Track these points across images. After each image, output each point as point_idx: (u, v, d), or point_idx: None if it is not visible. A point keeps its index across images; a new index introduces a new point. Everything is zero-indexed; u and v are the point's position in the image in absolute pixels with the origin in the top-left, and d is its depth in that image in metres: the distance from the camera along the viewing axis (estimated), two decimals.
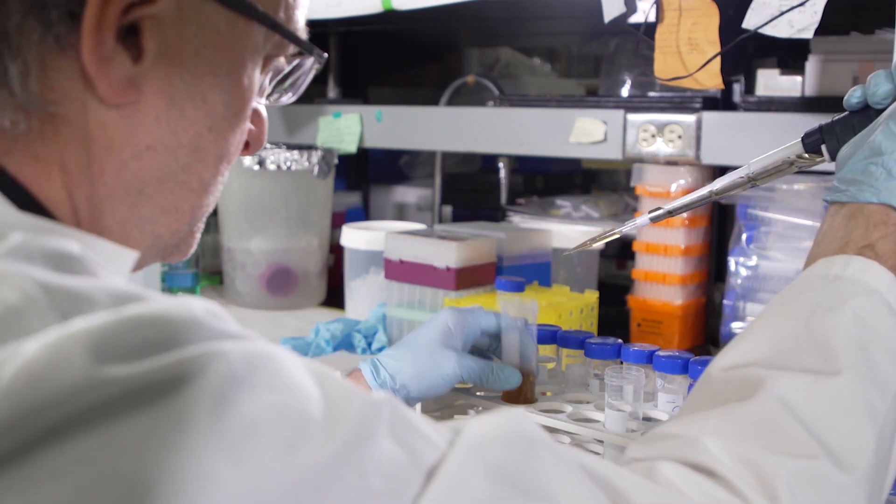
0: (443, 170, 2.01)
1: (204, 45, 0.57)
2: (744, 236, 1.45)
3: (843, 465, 0.60)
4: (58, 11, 0.52)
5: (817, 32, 1.27)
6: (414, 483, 0.46)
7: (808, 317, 0.67)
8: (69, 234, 0.54)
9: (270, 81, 0.66)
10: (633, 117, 1.52)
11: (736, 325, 1.45)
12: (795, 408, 0.61)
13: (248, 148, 0.66)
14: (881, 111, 0.77)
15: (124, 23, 0.53)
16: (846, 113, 0.81)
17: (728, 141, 1.43)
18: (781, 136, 0.91)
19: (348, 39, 2.23)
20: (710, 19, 1.37)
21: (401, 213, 2.21)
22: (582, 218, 1.78)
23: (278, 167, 1.74)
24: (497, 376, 0.98)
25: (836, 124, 0.81)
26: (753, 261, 1.44)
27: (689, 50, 1.40)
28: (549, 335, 1.09)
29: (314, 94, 2.18)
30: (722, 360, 0.68)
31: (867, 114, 0.79)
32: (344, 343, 1.49)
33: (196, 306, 0.45)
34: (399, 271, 1.46)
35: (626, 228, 0.99)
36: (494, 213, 1.88)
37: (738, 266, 1.46)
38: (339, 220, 1.92)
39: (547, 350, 1.10)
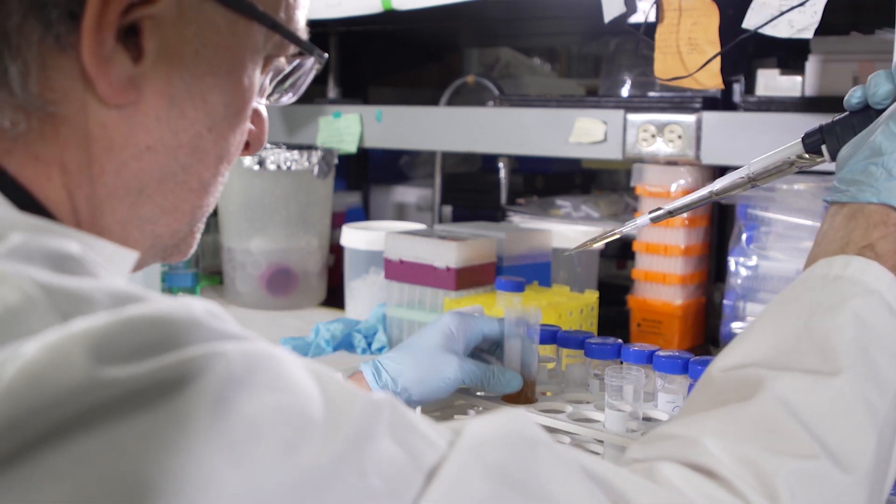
0: (443, 170, 2.01)
1: (204, 46, 0.57)
2: (744, 236, 1.45)
3: (843, 466, 0.60)
4: (58, 11, 0.52)
5: (817, 32, 1.27)
6: (414, 483, 0.46)
7: (808, 317, 0.67)
8: (69, 234, 0.54)
9: (271, 81, 0.66)
10: (633, 117, 1.52)
11: (736, 325, 1.45)
12: (796, 408, 0.61)
13: (248, 148, 0.66)
14: (881, 111, 0.77)
15: (124, 23, 0.53)
16: (846, 113, 0.81)
17: (728, 141, 1.43)
18: (781, 136, 0.91)
19: (348, 39, 2.23)
20: (710, 19, 1.37)
21: (401, 213, 2.21)
22: (582, 218, 1.78)
23: (278, 167, 1.74)
24: (498, 380, 0.98)
25: (837, 124, 0.81)
26: (753, 261, 1.44)
27: (689, 50, 1.40)
28: (549, 335, 1.09)
29: (314, 94, 2.18)
30: (722, 361, 0.68)
31: (867, 114, 0.79)
32: (344, 343, 1.49)
33: (196, 307, 0.45)
34: (399, 271, 1.46)
35: (627, 228, 0.99)
36: (494, 213, 1.88)
37: (738, 266, 1.46)
38: (339, 220, 1.92)
39: (547, 350, 1.10)
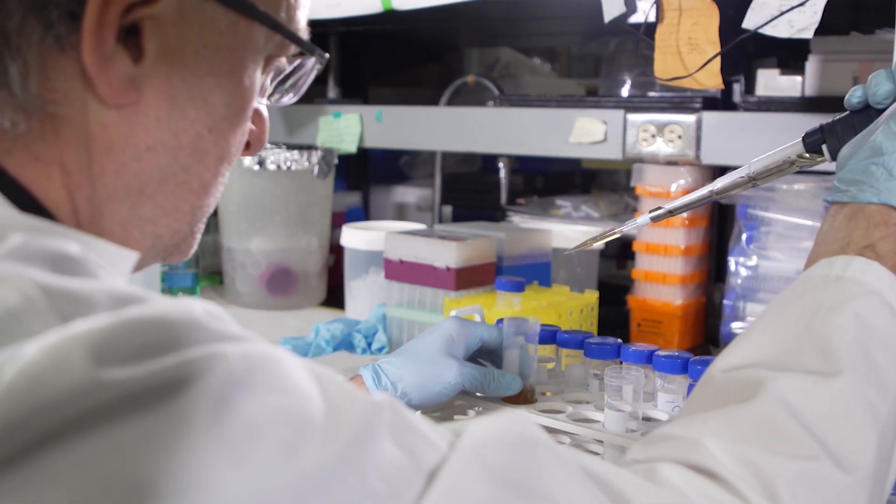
0: (443, 170, 2.01)
1: (205, 46, 0.57)
2: (744, 236, 1.45)
3: (844, 467, 0.60)
4: (58, 12, 0.52)
5: (817, 32, 1.27)
6: (415, 485, 0.46)
7: (809, 318, 0.67)
8: (69, 235, 0.53)
9: (272, 82, 0.66)
10: (633, 117, 1.52)
11: (736, 325, 1.45)
12: (796, 409, 0.61)
13: (249, 148, 0.66)
14: (882, 111, 0.77)
15: (125, 23, 0.53)
16: (847, 113, 0.80)
17: (728, 141, 1.43)
18: (781, 136, 0.91)
19: (348, 39, 2.23)
20: (710, 19, 1.37)
21: (401, 213, 2.21)
22: (582, 218, 1.78)
23: (278, 167, 1.74)
24: (499, 383, 0.98)
25: (837, 124, 0.80)
26: (753, 261, 1.44)
27: (689, 50, 1.40)
28: (549, 335, 1.09)
29: (314, 94, 2.18)
30: (723, 361, 0.68)
31: (868, 113, 0.79)
32: (344, 343, 1.49)
33: (196, 308, 0.45)
34: (399, 271, 1.46)
35: (627, 228, 0.99)
36: (494, 213, 1.88)
37: (738, 266, 1.46)
38: (339, 220, 1.92)
39: (547, 350, 1.10)
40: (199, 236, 0.66)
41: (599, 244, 1.09)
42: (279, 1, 0.61)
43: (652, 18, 1.42)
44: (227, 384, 0.42)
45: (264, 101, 0.67)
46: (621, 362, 1.02)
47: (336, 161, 1.83)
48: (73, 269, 0.47)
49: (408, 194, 2.21)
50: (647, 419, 0.96)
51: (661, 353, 0.98)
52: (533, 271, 1.51)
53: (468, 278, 1.41)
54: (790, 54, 1.51)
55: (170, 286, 1.78)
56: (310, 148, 1.79)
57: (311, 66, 0.67)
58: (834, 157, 0.80)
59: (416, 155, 2.29)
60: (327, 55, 0.67)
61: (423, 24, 2.02)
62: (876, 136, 0.74)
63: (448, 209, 2.05)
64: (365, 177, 2.27)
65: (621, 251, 1.83)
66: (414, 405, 0.97)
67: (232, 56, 0.58)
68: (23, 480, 0.38)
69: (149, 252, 0.61)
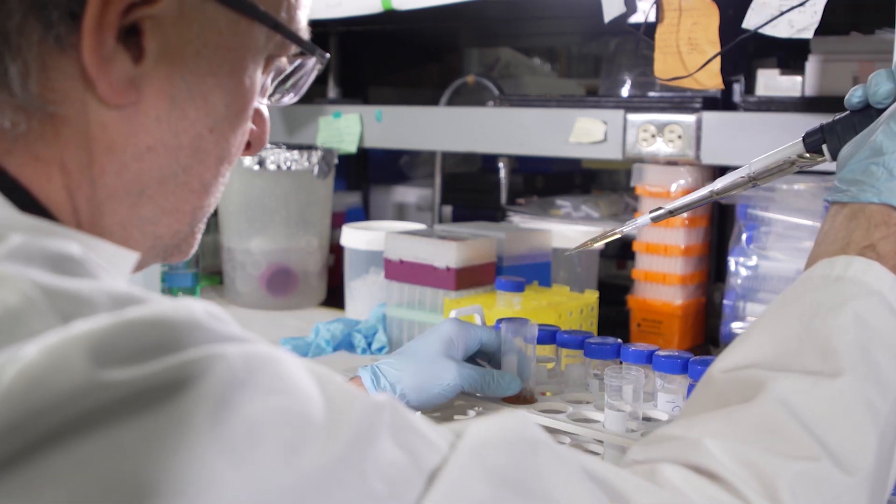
0: (443, 170, 2.01)
1: (205, 46, 0.57)
2: (744, 236, 1.45)
3: (844, 467, 0.60)
4: (58, 12, 0.52)
5: (817, 32, 1.27)
6: (415, 485, 0.46)
7: (809, 318, 0.67)
8: (69, 235, 0.53)
9: (272, 82, 0.66)
10: (633, 117, 1.51)
11: (736, 325, 1.45)
12: (797, 409, 0.61)
13: (249, 148, 0.66)
14: (882, 111, 0.77)
15: (125, 23, 0.53)
16: (847, 112, 0.80)
17: (728, 141, 1.43)
18: (781, 136, 0.91)
19: (348, 39, 2.23)
20: (710, 19, 1.37)
21: (401, 213, 2.21)
22: (582, 218, 1.78)
23: (278, 167, 1.74)
24: (497, 384, 0.98)
25: (838, 124, 0.80)
26: (753, 261, 1.44)
27: (689, 50, 1.40)
28: (549, 335, 1.09)
29: (314, 94, 2.18)
30: (723, 362, 0.68)
31: (868, 113, 0.78)
32: (344, 343, 1.49)
33: (196, 308, 0.45)
34: (399, 271, 1.46)
35: (627, 228, 0.99)
36: (494, 213, 1.88)
37: (738, 266, 1.46)
38: (339, 220, 1.92)
39: (547, 350, 1.10)
40: (199, 236, 0.66)
41: (599, 244, 1.09)
42: (279, 1, 0.61)
43: (652, 18, 1.42)
44: (228, 385, 0.42)
45: (265, 101, 0.67)
46: (621, 362, 1.01)
47: (336, 161, 1.83)
48: (73, 270, 0.47)
49: (408, 194, 2.21)
50: (647, 419, 0.96)
51: (661, 353, 0.98)
52: (533, 271, 1.51)
53: (468, 278, 1.41)
54: (790, 54, 1.51)
55: (170, 286, 1.78)
56: (310, 148, 1.79)
57: (312, 66, 0.67)
58: (834, 157, 0.80)
59: (416, 155, 2.29)
60: (328, 55, 0.67)
61: (423, 24, 2.02)
62: (876, 136, 0.74)
63: (448, 209, 2.05)
64: (365, 177, 2.27)
65: (621, 251, 1.83)
66: (413, 406, 0.96)
67: (232, 56, 0.58)
68: (23, 481, 0.38)
69: (149, 252, 0.61)
